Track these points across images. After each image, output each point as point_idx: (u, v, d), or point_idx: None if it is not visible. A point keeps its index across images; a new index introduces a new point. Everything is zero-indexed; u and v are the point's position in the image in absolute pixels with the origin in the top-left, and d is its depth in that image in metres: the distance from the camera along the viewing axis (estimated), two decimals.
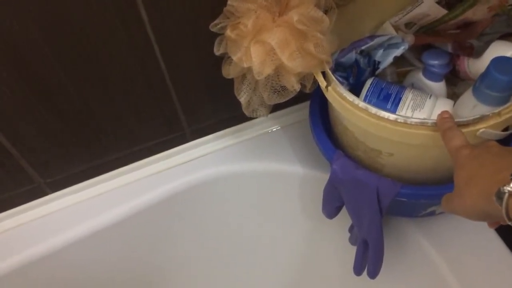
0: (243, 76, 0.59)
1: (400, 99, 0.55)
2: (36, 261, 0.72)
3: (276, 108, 0.70)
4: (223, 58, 0.59)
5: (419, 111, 0.54)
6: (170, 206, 0.79)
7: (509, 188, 0.34)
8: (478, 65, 0.57)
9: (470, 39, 0.59)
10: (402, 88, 0.57)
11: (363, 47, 0.57)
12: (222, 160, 0.79)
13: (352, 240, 0.72)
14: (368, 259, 0.64)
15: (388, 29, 0.62)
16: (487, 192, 0.36)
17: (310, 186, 0.76)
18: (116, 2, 0.56)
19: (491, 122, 0.48)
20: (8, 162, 0.68)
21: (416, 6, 0.58)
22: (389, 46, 0.59)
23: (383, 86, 0.57)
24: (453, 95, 0.62)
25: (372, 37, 0.58)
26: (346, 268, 0.68)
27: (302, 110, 0.82)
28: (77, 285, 0.80)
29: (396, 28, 0.62)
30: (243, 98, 0.61)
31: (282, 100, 0.58)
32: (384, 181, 0.57)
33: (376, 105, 0.53)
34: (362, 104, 0.52)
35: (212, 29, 0.55)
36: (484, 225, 0.66)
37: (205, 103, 0.75)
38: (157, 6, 0.58)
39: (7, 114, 0.62)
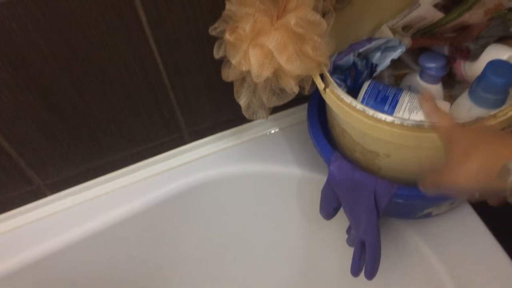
0: (243, 79, 0.59)
1: (397, 101, 0.56)
2: (36, 262, 0.72)
3: (274, 110, 0.70)
4: (222, 61, 0.60)
5: (416, 113, 0.55)
6: (169, 208, 0.79)
7: None
8: (474, 68, 0.57)
9: (466, 42, 0.59)
10: (399, 90, 0.57)
11: (360, 50, 0.58)
12: (221, 162, 0.79)
13: (350, 241, 0.72)
14: (365, 260, 0.64)
15: (386, 32, 0.62)
16: (490, 167, 0.35)
17: (308, 187, 0.77)
18: (115, 4, 0.56)
19: (487, 124, 0.48)
20: (7, 164, 0.68)
21: (413, 10, 0.59)
22: (386, 49, 0.59)
23: (380, 89, 0.57)
24: (449, 98, 0.62)
25: (369, 40, 0.58)
26: (343, 269, 0.68)
27: (301, 112, 0.82)
28: (77, 286, 0.80)
29: (394, 31, 0.63)
30: (243, 101, 0.61)
31: (281, 103, 0.58)
32: (381, 182, 0.57)
33: (374, 107, 0.53)
34: (359, 106, 0.52)
35: (211, 33, 0.55)
36: (480, 227, 0.67)
37: (204, 104, 0.75)
38: (155, 7, 0.58)
39: (6, 115, 0.62)
